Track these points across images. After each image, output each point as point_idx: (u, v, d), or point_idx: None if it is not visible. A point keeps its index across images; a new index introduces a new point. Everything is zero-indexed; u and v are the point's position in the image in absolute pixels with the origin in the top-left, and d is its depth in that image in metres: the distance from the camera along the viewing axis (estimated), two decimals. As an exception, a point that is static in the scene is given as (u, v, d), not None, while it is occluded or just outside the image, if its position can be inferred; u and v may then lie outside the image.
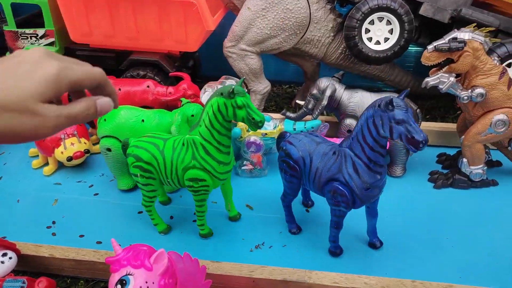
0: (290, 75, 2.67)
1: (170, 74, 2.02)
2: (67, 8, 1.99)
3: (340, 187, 1.21)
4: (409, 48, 2.31)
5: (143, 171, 1.35)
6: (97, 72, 0.57)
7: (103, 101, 0.57)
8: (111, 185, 1.78)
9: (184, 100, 1.68)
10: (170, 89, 1.89)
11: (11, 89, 0.47)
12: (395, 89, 2.32)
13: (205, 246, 1.46)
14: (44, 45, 2.17)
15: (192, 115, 1.59)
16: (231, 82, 1.73)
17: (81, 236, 1.51)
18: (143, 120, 1.61)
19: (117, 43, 2.08)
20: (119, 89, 1.87)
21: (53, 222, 1.57)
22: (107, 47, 2.12)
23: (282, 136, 1.46)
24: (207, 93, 1.72)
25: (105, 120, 1.63)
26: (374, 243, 1.41)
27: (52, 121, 0.49)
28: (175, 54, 2.16)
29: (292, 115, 1.84)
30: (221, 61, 2.14)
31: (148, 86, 1.87)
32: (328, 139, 1.70)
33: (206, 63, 2.61)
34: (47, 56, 0.52)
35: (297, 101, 1.94)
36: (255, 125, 1.21)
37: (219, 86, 1.70)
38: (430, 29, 1.85)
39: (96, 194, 1.73)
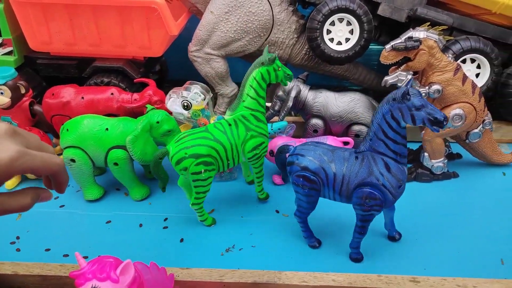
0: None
1: (135, 80, 2.00)
2: (24, 16, 1.93)
3: (373, 191, 1.18)
4: (372, 47, 2.38)
5: (206, 165, 1.39)
6: (55, 163, 0.59)
7: (44, 196, 0.61)
8: (77, 195, 1.74)
9: (149, 106, 1.67)
10: (135, 95, 1.86)
11: None
12: (361, 87, 2.38)
13: (175, 253, 1.45)
14: (2, 55, 2.10)
15: (158, 122, 1.58)
16: (196, 87, 1.72)
17: (47, 250, 1.47)
18: (107, 129, 1.59)
19: (79, 50, 2.03)
20: (82, 98, 1.83)
21: (17, 238, 1.53)
22: (68, 54, 2.07)
23: (284, 151, 1.46)
24: (172, 99, 1.71)
25: (67, 130, 1.60)
26: (393, 236, 1.44)
27: None
28: (140, 60, 2.13)
29: None
30: (188, 65, 2.13)
31: (112, 94, 1.84)
32: (295, 139, 1.73)
33: (173, 67, 2.59)
34: (8, 138, 0.53)
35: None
36: (290, 78, 1.46)
37: (184, 92, 1.69)
38: (391, 28, 1.90)
39: (62, 206, 1.69)
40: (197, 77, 2.08)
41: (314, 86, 1.87)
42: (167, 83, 2.69)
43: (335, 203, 1.34)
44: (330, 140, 1.66)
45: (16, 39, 2.08)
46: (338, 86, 2.59)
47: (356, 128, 1.72)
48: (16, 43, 2.09)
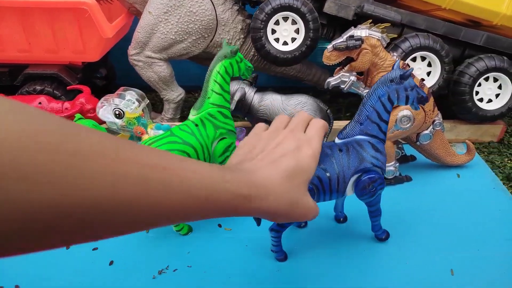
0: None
1: (68, 87, 1.85)
2: None
3: (372, 175, 1.15)
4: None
5: None
6: (323, 126, 0.72)
7: None
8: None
9: (77, 116, 1.53)
10: (66, 104, 1.72)
11: None
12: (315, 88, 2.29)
13: (102, 278, 1.32)
14: None
15: (84, 133, 1.44)
16: (130, 93, 1.60)
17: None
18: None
19: (8, 57, 1.87)
20: (7, 108, 1.67)
21: None
22: (-2, 61, 1.91)
23: None
24: (104, 107, 1.58)
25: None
26: (339, 219, 1.45)
27: None
28: (78, 65, 1.98)
29: None
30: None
31: (40, 103, 1.70)
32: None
33: (122, 71, 2.45)
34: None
35: None
36: (251, 70, 1.40)
37: (116, 100, 1.56)
38: (344, 27, 1.81)
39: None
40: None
41: (262, 88, 1.77)
42: (115, 88, 2.55)
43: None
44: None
45: None
46: (293, 87, 2.50)
47: None
48: None
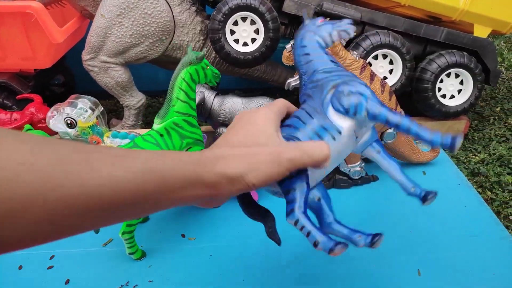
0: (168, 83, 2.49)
1: (17, 97, 1.75)
2: None
3: (343, 87, 0.89)
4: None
5: None
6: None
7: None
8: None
9: (26, 127, 1.43)
10: (16, 115, 1.62)
11: None
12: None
13: (56, 300, 1.24)
14: None
15: (32, 145, 1.35)
16: (82, 101, 1.51)
17: None
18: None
19: (-50, 66, 1.76)
20: (-51, 122, 1.56)
21: None
22: None
23: None
24: (55, 117, 1.49)
25: None
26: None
27: None
28: (29, 73, 1.88)
29: None
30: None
31: (-15, 114, 1.59)
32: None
33: (82, 77, 2.34)
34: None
35: None
36: (218, 77, 1.34)
37: (67, 108, 1.48)
38: (301, 22, 1.78)
39: None
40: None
41: (227, 91, 1.72)
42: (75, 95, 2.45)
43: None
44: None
45: None
46: (259, 88, 2.46)
47: None
48: None
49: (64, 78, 2.25)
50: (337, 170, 1.62)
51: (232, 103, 1.63)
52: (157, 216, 1.54)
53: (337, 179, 1.61)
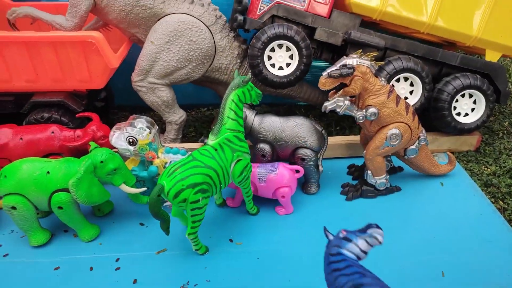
0: (208, 98, 2.69)
1: (77, 115, 1.94)
2: (-49, 55, 1.83)
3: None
4: (317, 63, 2.46)
5: (203, 192, 1.44)
6: None
7: None
8: (22, 241, 1.67)
9: (93, 144, 1.63)
10: (78, 132, 1.81)
11: None
12: (306, 104, 2.44)
13: (128, 296, 1.43)
14: None
15: (102, 161, 1.54)
16: (140, 121, 1.70)
17: (-9, 306, 1.40)
18: (48, 172, 1.53)
19: (15, 87, 1.95)
20: (21, 138, 1.76)
21: (-44, 297, 1.45)
22: (4, 91, 1.98)
23: None
24: (116, 135, 1.68)
25: (5, 176, 1.53)
26: None
27: None
28: (82, 92, 2.07)
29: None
30: (134, 90, 2.09)
31: (53, 132, 1.78)
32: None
33: (120, 92, 2.55)
34: None
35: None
36: (260, 96, 1.63)
37: (128, 128, 1.67)
38: (331, 46, 1.97)
39: (6, 255, 1.61)
40: (144, 102, 2.06)
41: (261, 111, 1.90)
42: (113, 109, 2.65)
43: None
44: (281, 167, 1.70)
45: None
46: (286, 103, 2.65)
47: (301, 151, 1.77)
48: None
49: (105, 94, 2.44)
50: (364, 182, 1.81)
51: (271, 122, 1.82)
52: (206, 223, 1.73)
53: (365, 189, 1.80)
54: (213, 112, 2.68)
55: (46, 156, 1.78)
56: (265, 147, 1.82)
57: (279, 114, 1.85)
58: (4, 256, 1.61)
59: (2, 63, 1.86)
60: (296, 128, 1.77)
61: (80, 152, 1.80)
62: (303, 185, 1.87)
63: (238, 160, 1.56)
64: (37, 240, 1.62)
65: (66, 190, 1.54)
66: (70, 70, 1.90)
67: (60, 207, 1.56)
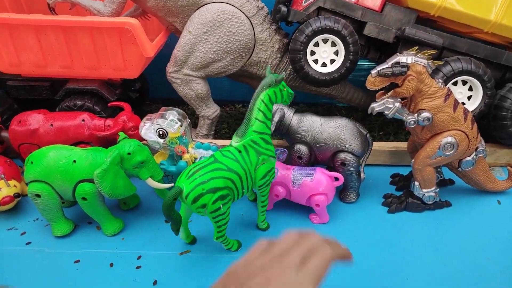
0: (242, 94, 2.58)
1: (109, 104, 1.89)
2: (-9, 37, 1.82)
3: None
4: (361, 63, 2.29)
5: (223, 199, 1.31)
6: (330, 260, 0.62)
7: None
8: (46, 230, 1.62)
9: (122, 135, 1.56)
10: (109, 121, 1.75)
11: None
12: (348, 105, 2.29)
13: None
14: (-30, 77, 1.98)
15: (129, 153, 1.46)
16: (172, 113, 1.62)
17: (10, 294, 1.36)
18: (74, 161, 1.47)
19: (50, 72, 1.92)
20: (51, 125, 1.72)
21: (-21, 280, 1.41)
22: (39, 76, 1.96)
23: None
24: (146, 127, 1.60)
25: (32, 163, 1.48)
26: None
27: None
28: (117, 81, 2.02)
29: None
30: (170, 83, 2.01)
31: (83, 120, 1.73)
32: (281, 165, 1.63)
33: (155, 84, 2.49)
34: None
35: None
36: (292, 96, 1.46)
37: (159, 120, 1.59)
38: (379, 44, 1.81)
39: (29, 243, 1.57)
40: (178, 94, 1.98)
41: (300, 109, 1.77)
42: (148, 100, 2.59)
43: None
44: (319, 173, 1.56)
45: (-16, 60, 1.97)
46: (325, 104, 2.50)
47: (342, 156, 1.62)
48: (-16, 65, 1.97)
49: (140, 85, 2.39)
50: (410, 194, 1.64)
51: (311, 121, 1.68)
52: (233, 223, 1.62)
53: (410, 202, 1.63)
54: (248, 109, 2.57)
55: (75, 144, 1.73)
56: (302, 148, 1.69)
57: (318, 115, 1.71)
58: (27, 244, 1.56)
59: (38, 47, 1.83)
60: (338, 130, 1.62)
61: (109, 142, 1.73)
62: (341, 192, 1.72)
63: (263, 163, 1.42)
64: (60, 230, 1.57)
65: (92, 180, 1.47)
66: (105, 58, 1.85)
67: (84, 198, 1.49)
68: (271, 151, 1.46)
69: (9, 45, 1.83)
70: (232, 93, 2.57)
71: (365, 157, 1.68)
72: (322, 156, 1.69)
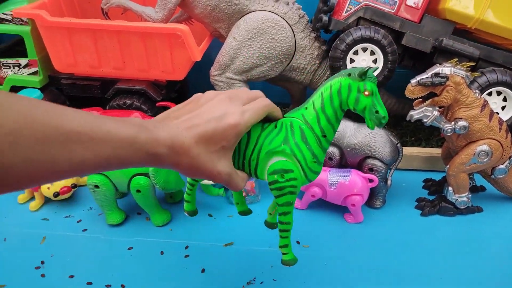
0: (276, 96, 2.65)
1: (156, 104, 2.02)
2: (51, 39, 1.97)
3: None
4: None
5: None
6: (265, 107, 0.82)
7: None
8: (100, 219, 1.76)
9: (172, 133, 1.68)
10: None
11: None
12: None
13: (196, 285, 1.46)
14: (28, 74, 2.15)
15: (180, 151, 1.58)
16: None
17: (71, 276, 1.49)
18: (130, 156, 1.60)
19: (103, 73, 2.06)
20: (106, 122, 1.86)
21: (42, 262, 1.55)
22: (92, 76, 2.11)
23: None
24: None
25: (92, 156, 1.62)
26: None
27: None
28: (162, 82, 2.15)
29: None
30: (207, 83, 2.13)
31: (135, 118, 1.87)
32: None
33: (194, 85, 2.61)
34: (228, 102, 0.73)
35: None
36: (378, 120, 0.92)
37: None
38: (414, 53, 1.89)
39: (85, 230, 1.71)
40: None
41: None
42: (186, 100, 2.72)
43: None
44: (354, 174, 1.65)
45: (42, 60, 2.13)
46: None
47: (370, 162, 1.70)
48: (41, 64, 2.13)
49: (180, 85, 2.51)
50: (443, 198, 1.72)
51: (344, 126, 1.77)
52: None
53: (443, 206, 1.70)
54: (283, 112, 2.66)
55: (127, 140, 1.87)
56: (334, 150, 1.78)
57: (350, 119, 1.80)
58: (83, 231, 1.71)
59: (94, 50, 1.98)
60: (369, 137, 1.70)
61: (158, 139, 1.86)
62: (368, 198, 1.79)
63: (281, 152, 0.96)
64: (113, 219, 1.71)
65: (146, 174, 1.60)
66: (155, 61, 1.98)
67: (138, 190, 1.62)
68: (301, 153, 0.95)
69: (67, 47, 1.98)
70: (266, 95, 2.67)
71: (395, 165, 1.76)
72: (352, 160, 1.78)
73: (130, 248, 1.62)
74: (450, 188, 1.66)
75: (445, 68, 1.47)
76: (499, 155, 1.57)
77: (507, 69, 1.75)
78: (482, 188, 1.82)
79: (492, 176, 1.66)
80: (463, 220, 1.71)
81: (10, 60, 2.13)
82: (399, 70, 2.49)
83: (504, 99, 1.79)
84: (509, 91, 1.74)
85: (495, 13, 1.71)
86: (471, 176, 1.76)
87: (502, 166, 1.62)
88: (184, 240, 1.66)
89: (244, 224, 1.72)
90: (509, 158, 1.62)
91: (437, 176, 1.88)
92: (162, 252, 1.60)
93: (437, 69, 1.48)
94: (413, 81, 1.51)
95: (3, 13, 2.05)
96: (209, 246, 1.62)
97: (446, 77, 1.46)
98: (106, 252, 1.60)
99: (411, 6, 1.76)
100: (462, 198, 1.66)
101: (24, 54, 2.12)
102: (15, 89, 2.12)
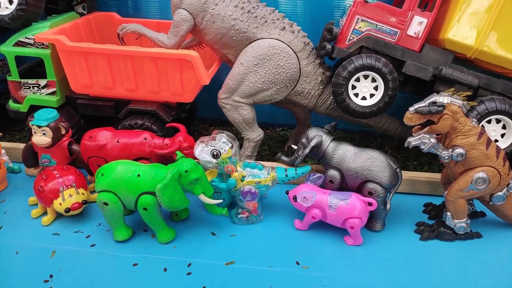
0: (283, 118, 2.76)
1: (166, 125, 2.10)
2: (69, 62, 2.09)
3: None
4: (398, 94, 2.41)
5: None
6: None
7: None
8: (107, 235, 1.83)
9: (179, 154, 1.76)
10: (167, 141, 1.96)
11: None
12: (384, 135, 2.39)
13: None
14: (46, 94, 2.26)
15: (186, 171, 1.66)
16: (222, 136, 1.80)
17: (78, 290, 1.55)
18: (139, 175, 1.68)
19: (117, 94, 2.17)
20: (117, 141, 1.94)
21: (51, 276, 1.61)
22: (106, 96, 2.21)
23: None
24: (200, 148, 1.79)
25: (102, 175, 1.70)
26: None
27: None
28: (172, 104, 2.25)
29: (286, 159, 1.98)
30: (217, 104, 2.20)
31: (145, 139, 1.95)
32: (318, 189, 1.78)
33: (203, 105, 2.71)
34: None
35: (292, 146, 2.03)
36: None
37: (212, 142, 1.78)
38: (416, 79, 1.94)
39: (93, 245, 1.78)
40: (224, 116, 2.17)
41: (337, 137, 1.91)
42: (195, 120, 2.82)
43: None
44: (354, 198, 1.69)
45: (60, 81, 2.24)
46: (362, 131, 2.62)
47: (370, 185, 1.74)
48: (59, 85, 2.25)
49: (190, 106, 2.61)
50: (442, 223, 1.74)
51: (345, 150, 1.82)
52: (272, 241, 1.77)
53: (442, 231, 1.73)
54: (288, 133, 2.74)
55: (137, 159, 1.95)
56: (335, 173, 1.83)
57: (354, 142, 1.85)
58: (91, 246, 1.77)
59: (109, 72, 2.09)
60: (369, 161, 1.75)
61: (165, 159, 1.94)
62: (368, 221, 1.82)
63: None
64: (120, 235, 1.77)
65: (152, 193, 1.67)
66: (166, 84, 2.08)
67: (145, 208, 1.69)
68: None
69: (84, 69, 2.09)
70: (273, 116, 2.75)
71: (394, 190, 1.79)
72: (352, 183, 1.82)
73: (135, 264, 1.67)
74: (448, 213, 1.69)
75: (442, 97, 1.53)
76: (496, 182, 1.60)
77: (506, 98, 1.79)
78: (482, 214, 1.84)
79: (491, 203, 1.69)
80: (462, 246, 1.72)
81: (30, 81, 2.25)
82: (404, 95, 2.55)
83: (504, 127, 1.82)
84: (508, 119, 1.77)
85: (494, 43, 1.76)
86: (470, 202, 1.79)
87: (500, 193, 1.65)
88: (187, 257, 1.70)
89: (246, 243, 1.76)
90: (507, 185, 1.64)
91: (438, 201, 1.90)
92: (165, 269, 1.65)
93: (434, 98, 1.54)
94: (411, 109, 1.57)
95: (26, 37, 2.18)
96: (211, 264, 1.66)
97: (443, 105, 1.51)
98: (112, 268, 1.66)
99: (411, 36, 1.83)
100: (460, 223, 1.69)
101: (43, 75, 2.24)
102: (33, 108, 2.23)
